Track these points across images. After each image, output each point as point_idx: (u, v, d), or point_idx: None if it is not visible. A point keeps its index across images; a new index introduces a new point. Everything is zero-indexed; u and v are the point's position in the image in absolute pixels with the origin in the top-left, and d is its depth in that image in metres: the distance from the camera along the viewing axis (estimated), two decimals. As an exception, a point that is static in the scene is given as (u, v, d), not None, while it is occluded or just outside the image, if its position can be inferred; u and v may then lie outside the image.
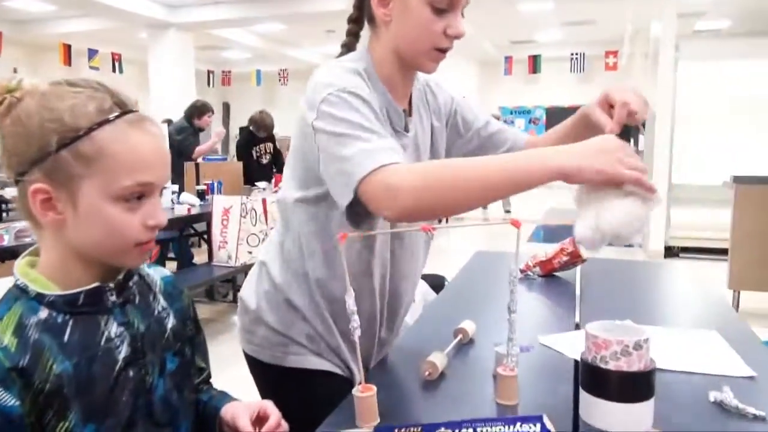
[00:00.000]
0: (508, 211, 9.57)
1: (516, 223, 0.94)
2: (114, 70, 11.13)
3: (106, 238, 0.73)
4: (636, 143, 8.80)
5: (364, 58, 1.05)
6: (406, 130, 1.09)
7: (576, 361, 1.05)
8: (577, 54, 11.10)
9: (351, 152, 0.87)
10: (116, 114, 0.72)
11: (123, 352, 0.76)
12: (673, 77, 6.01)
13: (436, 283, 2.21)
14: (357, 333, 0.85)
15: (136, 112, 0.75)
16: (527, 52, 11.67)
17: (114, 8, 8.09)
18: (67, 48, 10.09)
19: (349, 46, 1.09)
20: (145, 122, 0.75)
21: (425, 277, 2.15)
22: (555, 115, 13.39)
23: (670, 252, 6.13)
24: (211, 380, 0.99)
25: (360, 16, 1.07)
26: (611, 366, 0.84)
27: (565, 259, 1.77)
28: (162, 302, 0.87)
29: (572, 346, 1.19)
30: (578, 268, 1.83)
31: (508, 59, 11.76)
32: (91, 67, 10.79)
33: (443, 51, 1.00)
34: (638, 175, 0.79)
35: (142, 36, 9.80)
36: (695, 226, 6.11)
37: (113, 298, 0.77)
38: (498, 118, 7.34)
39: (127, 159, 0.71)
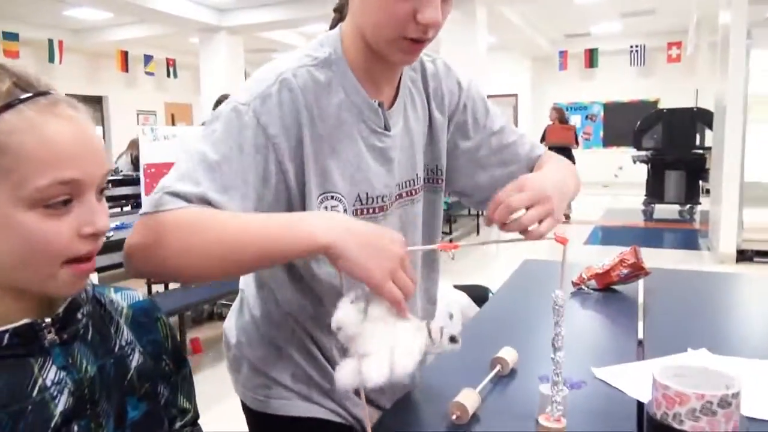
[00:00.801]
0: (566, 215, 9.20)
1: (562, 240, 0.76)
2: (168, 75, 11.40)
3: (26, 257, 0.58)
4: (702, 139, 8.28)
5: (334, 40, 0.86)
6: (387, 128, 0.88)
7: (639, 403, 0.86)
8: (636, 46, 10.59)
9: (186, 172, 0.74)
10: (19, 98, 0.57)
11: (61, 404, 0.61)
12: (745, 67, 5.56)
13: (478, 295, 2.02)
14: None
15: (46, 93, 0.60)
16: (583, 45, 11.23)
17: (166, 14, 8.23)
18: (124, 54, 10.39)
19: (339, 11, 0.90)
20: (60, 105, 0.60)
21: (466, 289, 1.97)
22: (614, 111, 12.83)
23: (743, 256, 5.67)
24: (198, 421, 0.85)
25: None
26: (687, 427, 0.64)
27: (625, 271, 1.55)
28: (126, 335, 0.72)
29: (635, 382, 0.99)
30: (641, 282, 1.61)
31: (563, 54, 11.35)
32: (147, 73, 11.10)
33: (416, 41, 0.77)
34: (400, 298, 0.67)
35: (194, 41, 9.96)
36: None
37: (51, 336, 0.62)
38: (562, 114, 6.68)
39: (38, 153, 0.56)
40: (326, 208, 0.82)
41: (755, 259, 5.64)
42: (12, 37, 8.77)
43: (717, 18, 6.60)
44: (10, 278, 0.59)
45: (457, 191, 1.05)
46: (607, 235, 7.26)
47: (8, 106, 0.56)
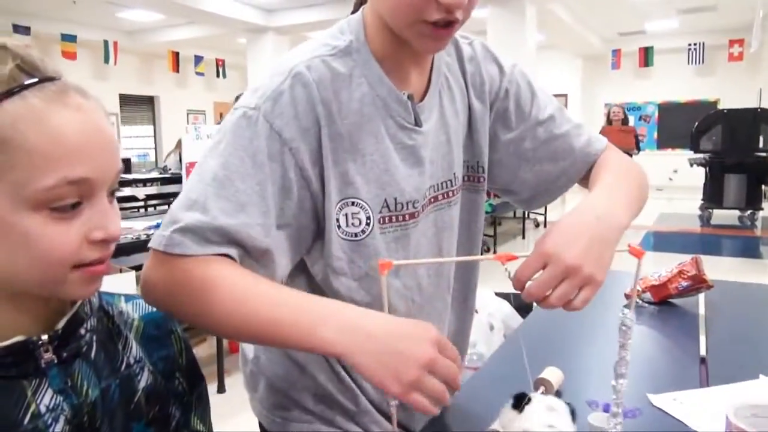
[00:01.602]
0: None
1: (637, 253, 0.65)
2: (218, 75, 11.62)
3: (30, 263, 0.51)
4: (766, 141, 7.84)
5: (356, 26, 0.76)
6: (417, 123, 0.77)
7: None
8: (695, 44, 10.14)
9: (196, 197, 0.66)
10: (23, 84, 0.50)
11: None
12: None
13: (522, 304, 1.90)
14: (393, 402, 0.61)
15: (53, 79, 0.52)
16: (637, 44, 10.83)
17: (216, 14, 8.38)
18: (175, 55, 10.64)
19: None
20: (70, 93, 0.52)
21: (508, 297, 1.86)
22: (669, 112, 12.33)
23: (810, 266, 5.31)
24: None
25: None
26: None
27: (685, 284, 1.41)
28: (135, 352, 0.65)
29: (699, 412, 0.87)
30: (702, 296, 1.47)
31: (616, 52, 10.97)
32: (197, 73, 11.33)
33: (440, 25, 0.66)
34: (429, 408, 0.57)
35: (242, 41, 10.10)
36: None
37: (48, 355, 0.55)
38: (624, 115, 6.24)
39: (45, 148, 0.49)
40: (346, 215, 0.73)
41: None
42: (70, 38, 9.09)
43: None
44: (12, 286, 0.53)
45: (500, 188, 0.93)
46: (660, 241, 6.94)
47: (10, 93, 0.49)
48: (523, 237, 7.15)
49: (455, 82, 0.84)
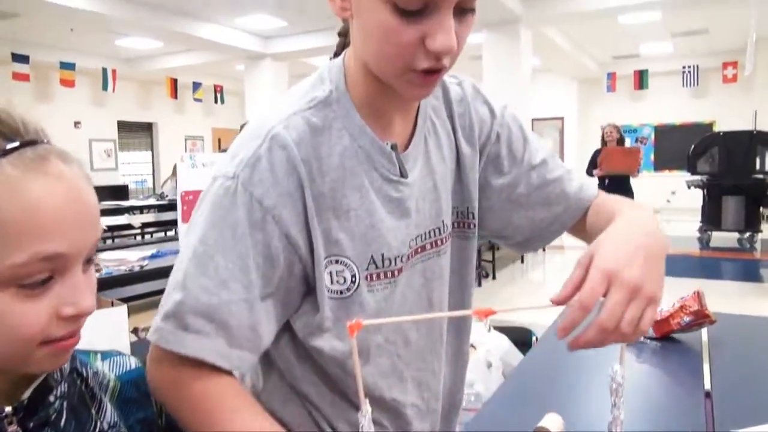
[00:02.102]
0: None
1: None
2: (216, 101, 11.70)
3: None
4: (763, 163, 7.85)
5: (336, 73, 0.72)
6: (403, 174, 0.73)
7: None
8: (689, 67, 10.23)
9: (179, 276, 0.65)
10: (0, 150, 0.47)
11: None
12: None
13: (521, 338, 1.86)
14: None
15: (36, 143, 0.49)
16: (632, 67, 10.93)
17: (214, 42, 8.46)
18: (174, 82, 10.71)
19: (345, 36, 0.76)
20: (50, 160, 0.49)
21: (506, 332, 1.82)
22: (665, 134, 12.39)
23: (811, 289, 5.27)
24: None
25: None
26: None
27: (687, 319, 1.38)
28: (110, 416, 0.61)
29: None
30: (704, 330, 1.44)
31: (611, 75, 11.06)
32: (196, 99, 11.40)
33: (430, 72, 0.63)
34: None
35: (240, 68, 10.18)
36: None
37: (13, 428, 0.51)
38: (621, 134, 5.96)
39: (18, 222, 0.46)
40: (331, 273, 0.69)
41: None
42: (69, 66, 9.15)
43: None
44: None
45: (492, 234, 0.89)
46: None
47: None
48: (522, 261, 7.11)
49: (442, 126, 0.80)
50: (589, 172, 6.33)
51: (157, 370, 0.66)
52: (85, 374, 0.62)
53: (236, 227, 0.64)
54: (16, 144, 0.48)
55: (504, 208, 0.85)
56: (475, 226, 0.84)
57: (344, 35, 0.76)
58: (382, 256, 0.72)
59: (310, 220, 0.67)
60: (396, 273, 0.74)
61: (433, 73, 0.63)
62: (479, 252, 6.30)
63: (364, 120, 0.71)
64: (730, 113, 11.32)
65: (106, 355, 0.67)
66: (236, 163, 0.65)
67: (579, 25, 8.90)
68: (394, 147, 0.73)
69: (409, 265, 0.76)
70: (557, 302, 0.59)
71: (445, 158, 0.80)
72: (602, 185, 6.07)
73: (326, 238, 0.69)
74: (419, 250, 0.77)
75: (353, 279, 0.70)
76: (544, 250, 7.78)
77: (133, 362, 0.68)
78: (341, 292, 0.70)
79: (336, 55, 0.76)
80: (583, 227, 0.85)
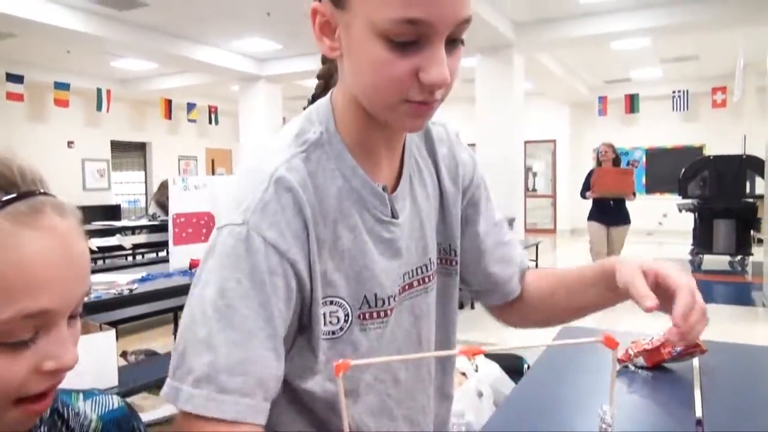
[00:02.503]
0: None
1: (611, 343, 0.62)
2: (210, 122, 11.73)
3: None
4: (753, 187, 7.92)
5: (325, 113, 0.71)
6: (394, 215, 0.74)
7: None
8: (679, 91, 10.37)
9: (203, 334, 0.61)
10: None
11: None
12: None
13: (512, 366, 1.85)
14: None
15: (32, 195, 0.48)
16: (623, 91, 11.07)
17: (208, 64, 8.52)
18: (168, 102, 10.75)
19: (326, 79, 0.76)
20: (44, 212, 0.48)
21: (497, 359, 1.81)
22: (657, 157, 12.51)
23: (802, 313, 5.29)
24: None
25: None
26: None
27: (678, 349, 1.38)
28: None
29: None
30: (696, 360, 1.43)
31: (603, 99, 11.19)
32: (190, 120, 11.44)
33: (423, 103, 0.63)
34: None
35: (234, 89, 10.24)
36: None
37: None
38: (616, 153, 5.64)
39: (6, 278, 0.45)
40: (325, 314, 0.69)
41: (817, 316, 5.25)
42: (63, 86, 9.17)
43: (765, 62, 6.39)
44: None
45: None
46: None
47: None
48: (515, 283, 7.08)
49: (425, 165, 0.81)
50: (583, 194, 5.94)
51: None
52: (66, 415, 0.60)
53: (254, 274, 0.62)
54: (12, 196, 0.47)
55: (473, 254, 0.87)
56: (457, 263, 0.85)
57: (323, 77, 0.76)
58: (375, 296, 0.72)
59: (313, 263, 0.66)
60: (388, 312, 0.73)
61: (426, 104, 0.64)
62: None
63: (356, 160, 0.71)
64: (720, 137, 11.46)
65: (88, 394, 0.65)
66: (243, 210, 0.64)
67: (571, 50, 9.03)
68: (384, 188, 0.73)
69: (398, 303, 0.75)
70: (651, 309, 0.67)
71: (429, 196, 0.80)
72: (598, 208, 5.81)
73: (323, 280, 0.68)
74: (407, 287, 0.77)
75: (346, 319, 0.70)
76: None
77: (115, 401, 0.67)
78: (333, 333, 0.70)
79: (315, 97, 0.76)
80: (533, 293, 0.90)
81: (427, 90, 0.62)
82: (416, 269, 0.78)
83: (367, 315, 0.71)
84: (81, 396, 0.64)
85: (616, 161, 5.82)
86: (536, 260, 7.83)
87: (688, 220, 8.44)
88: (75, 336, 0.52)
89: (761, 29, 6.48)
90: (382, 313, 0.73)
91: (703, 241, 7.90)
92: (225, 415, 0.59)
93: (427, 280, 0.80)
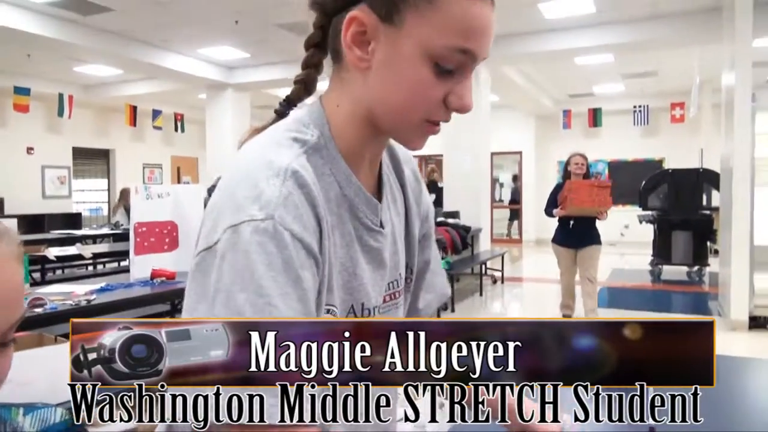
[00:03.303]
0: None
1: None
2: (176, 129, 11.57)
3: None
4: (709, 200, 8.18)
5: (318, 118, 0.70)
6: (382, 225, 0.74)
7: None
8: (640, 106, 10.67)
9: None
10: None
11: None
12: (751, 130, 5.52)
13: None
14: None
15: None
16: (586, 105, 11.33)
17: (175, 71, 8.42)
18: (133, 109, 10.55)
19: (306, 84, 0.74)
20: None
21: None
22: (619, 170, 12.80)
23: (756, 323, 5.46)
24: None
25: (324, 42, 0.71)
26: None
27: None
28: None
29: None
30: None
31: (567, 113, 11.44)
32: (155, 127, 11.25)
33: (436, 124, 0.67)
34: None
35: (202, 96, 10.13)
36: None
37: None
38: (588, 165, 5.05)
39: None
40: None
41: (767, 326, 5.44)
42: (23, 91, 8.93)
43: (720, 79, 6.63)
44: None
45: None
46: (614, 297, 7.07)
47: None
48: (481, 294, 7.16)
49: (394, 183, 0.82)
50: (550, 212, 5.07)
51: None
52: (4, 431, 0.60)
53: (288, 271, 0.59)
54: None
55: (418, 283, 0.88)
56: (411, 281, 0.86)
57: (303, 83, 0.74)
58: (362, 306, 0.72)
59: (324, 263, 0.65)
60: None
61: (438, 125, 0.68)
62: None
63: (350, 169, 0.71)
64: (678, 151, 11.81)
65: (29, 409, 0.64)
66: (263, 204, 0.60)
67: (536, 64, 9.22)
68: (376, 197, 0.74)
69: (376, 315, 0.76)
70: None
71: (399, 212, 0.81)
72: (563, 229, 5.06)
73: (327, 286, 0.67)
74: (383, 300, 0.77)
75: None
76: (502, 282, 7.89)
77: (58, 415, 0.66)
78: None
79: (290, 101, 0.75)
80: None
81: (448, 113, 0.67)
82: (389, 284, 0.78)
83: None
84: (21, 411, 0.63)
85: (587, 175, 5.07)
86: (502, 270, 7.93)
87: (649, 231, 8.66)
88: (7, 359, 0.50)
89: (716, 48, 6.72)
90: None
91: (662, 252, 8.11)
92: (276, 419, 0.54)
93: (397, 295, 0.80)
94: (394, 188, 0.81)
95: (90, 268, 6.86)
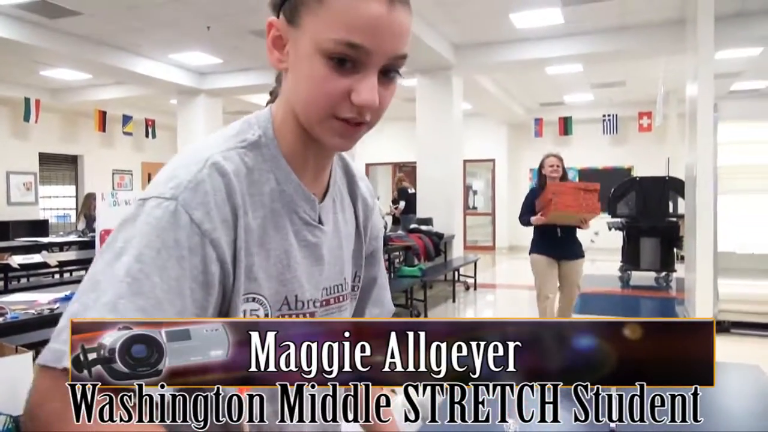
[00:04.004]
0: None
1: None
2: (147, 135, 11.39)
3: None
4: (675, 207, 8.39)
5: (264, 120, 0.76)
6: (320, 222, 0.78)
7: None
8: (609, 115, 10.90)
9: (108, 298, 0.58)
10: None
11: None
12: (713, 140, 5.69)
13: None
14: None
15: None
16: (557, 113, 11.54)
17: (146, 76, 8.30)
18: (102, 114, 10.37)
19: (277, 96, 0.79)
20: None
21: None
22: (589, 177, 12.97)
23: (721, 327, 5.61)
24: None
25: None
26: None
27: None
28: None
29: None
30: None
31: (538, 121, 11.63)
32: (125, 133, 11.07)
33: (348, 122, 0.68)
34: None
35: (173, 102, 10.01)
36: (747, 298, 5.62)
37: None
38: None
39: None
40: (245, 311, 0.69)
41: (732, 330, 5.58)
42: (-13, 95, 8.72)
43: (684, 90, 6.83)
44: None
45: None
46: (585, 303, 7.18)
47: None
48: (454, 300, 7.21)
49: (346, 194, 0.87)
50: (526, 220, 4.37)
51: (42, 407, 0.55)
52: None
53: (174, 249, 0.62)
54: None
55: (364, 295, 0.93)
56: (358, 289, 0.90)
57: (276, 95, 0.79)
58: (296, 297, 0.74)
59: (239, 251, 0.68)
60: (308, 317, 0.76)
61: (354, 124, 0.69)
62: (411, 290, 6.36)
63: (290, 168, 0.75)
64: (646, 159, 12.10)
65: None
66: (174, 185, 0.64)
67: (508, 73, 9.36)
68: (315, 196, 0.77)
69: (318, 316, 0.78)
70: None
71: (348, 222, 0.85)
72: (544, 237, 4.36)
73: (247, 275, 0.69)
74: (324, 303, 0.80)
75: (266, 317, 0.71)
76: (475, 288, 7.95)
77: (1, 422, 0.64)
78: None
79: (272, 102, 0.80)
80: None
81: (356, 110, 0.67)
82: (333, 287, 0.81)
83: (286, 317, 0.73)
84: None
85: (564, 178, 4.47)
86: (474, 276, 7.99)
87: (618, 238, 8.84)
88: None
89: (681, 59, 6.93)
90: (301, 317, 0.75)
91: (631, 258, 8.28)
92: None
93: (341, 299, 0.83)
94: (344, 200, 0.85)
95: (56, 276, 6.70)
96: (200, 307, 0.63)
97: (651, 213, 8.13)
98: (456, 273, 7.56)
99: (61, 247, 7.02)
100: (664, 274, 8.23)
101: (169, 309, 0.59)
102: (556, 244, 4.33)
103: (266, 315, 0.71)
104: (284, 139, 0.74)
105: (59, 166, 11.88)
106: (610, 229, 8.79)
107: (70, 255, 6.45)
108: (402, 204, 9.35)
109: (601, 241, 12.07)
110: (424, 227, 7.35)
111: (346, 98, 0.66)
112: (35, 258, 4.67)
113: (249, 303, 0.70)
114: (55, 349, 0.56)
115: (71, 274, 6.63)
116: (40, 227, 9.84)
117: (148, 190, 0.66)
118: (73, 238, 7.37)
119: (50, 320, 2.54)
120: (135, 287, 0.59)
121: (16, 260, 4.30)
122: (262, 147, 0.73)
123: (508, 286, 8.68)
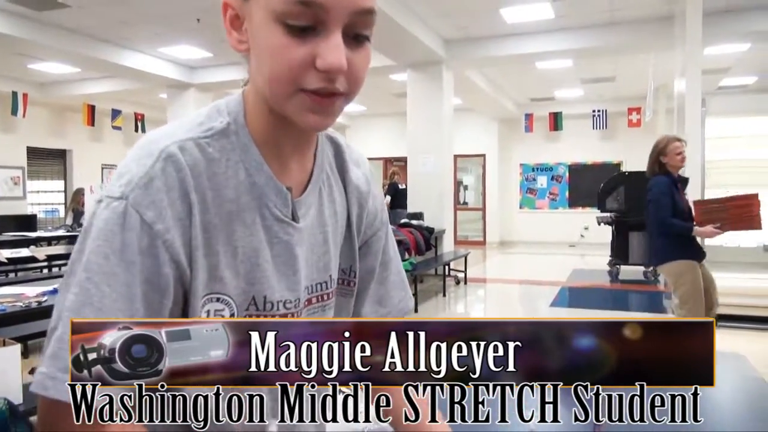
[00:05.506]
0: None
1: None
2: (136, 129, 11.30)
3: None
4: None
5: (235, 106, 0.70)
6: (294, 218, 0.72)
7: None
8: (598, 111, 10.95)
9: (59, 308, 0.59)
10: None
11: None
12: (701, 135, 5.74)
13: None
14: None
15: None
16: (548, 109, 11.58)
17: (135, 70, 8.24)
18: (91, 108, 10.28)
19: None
20: None
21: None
22: (578, 172, 13.11)
23: (707, 320, 5.68)
24: None
25: None
26: None
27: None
28: None
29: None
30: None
31: (529, 116, 11.66)
32: (114, 127, 10.98)
33: (319, 94, 0.62)
34: None
35: (163, 96, 9.93)
36: (734, 291, 5.68)
37: None
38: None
39: None
40: (208, 312, 0.66)
41: (718, 323, 5.65)
42: (-26, 88, 8.61)
43: (673, 85, 6.87)
44: None
45: None
46: (574, 297, 7.24)
47: None
48: (444, 294, 7.23)
49: (336, 183, 0.80)
50: (681, 227, 3.71)
51: (45, 425, 0.58)
52: None
53: (124, 252, 0.59)
54: None
55: (360, 284, 0.85)
56: (354, 284, 0.83)
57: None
58: (264, 298, 0.69)
59: (195, 250, 0.64)
60: (277, 319, 0.71)
61: (326, 96, 0.62)
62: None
63: (263, 157, 0.69)
64: (635, 154, 12.14)
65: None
66: (125, 183, 0.61)
67: (498, 68, 9.37)
68: (289, 189, 0.71)
69: (297, 316, 0.74)
70: None
71: (336, 213, 0.79)
72: (687, 242, 3.75)
73: (210, 274, 0.66)
74: (306, 303, 0.75)
75: (231, 318, 0.67)
76: (465, 282, 7.97)
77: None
78: None
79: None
80: None
81: (324, 77, 0.61)
82: (316, 285, 0.76)
83: (253, 318, 0.69)
84: None
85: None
86: (465, 271, 8.02)
87: (607, 232, 8.90)
88: None
89: (670, 55, 6.97)
90: (270, 318, 0.70)
91: (619, 253, 8.34)
92: (62, 396, 0.55)
93: (326, 297, 0.79)
94: (334, 190, 0.79)
95: (45, 270, 6.66)
96: (154, 311, 0.61)
97: (639, 207, 8.17)
98: (447, 267, 7.58)
99: (49, 241, 6.97)
100: (652, 268, 8.29)
101: (118, 315, 0.58)
102: (699, 246, 3.91)
103: (232, 315, 0.67)
104: (255, 125, 0.69)
105: (47, 160, 11.76)
106: (599, 223, 8.85)
107: (58, 249, 6.42)
108: (387, 198, 9.35)
109: (591, 236, 12.17)
110: (414, 222, 7.36)
111: (311, 66, 0.60)
112: (23, 252, 4.64)
113: (213, 303, 0.66)
114: (38, 372, 0.57)
115: (59, 269, 6.58)
116: (28, 222, 9.75)
117: (106, 188, 0.63)
118: (61, 232, 7.32)
119: (38, 313, 2.53)
120: (82, 297, 0.58)
121: (3, 254, 4.26)
122: (231, 135, 0.68)
123: (498, 281, 8.72)
